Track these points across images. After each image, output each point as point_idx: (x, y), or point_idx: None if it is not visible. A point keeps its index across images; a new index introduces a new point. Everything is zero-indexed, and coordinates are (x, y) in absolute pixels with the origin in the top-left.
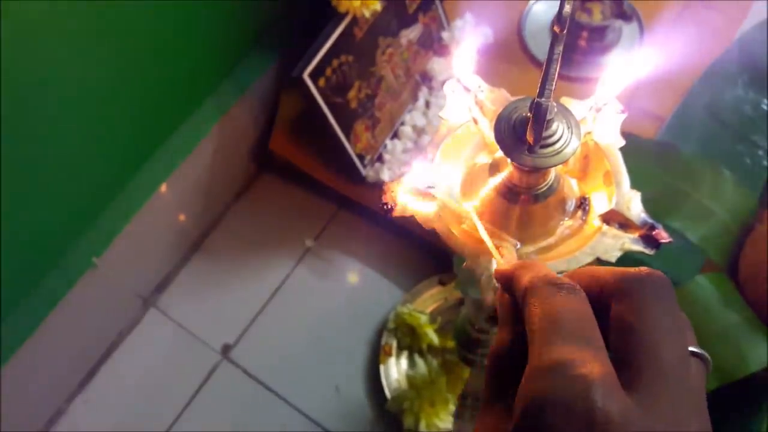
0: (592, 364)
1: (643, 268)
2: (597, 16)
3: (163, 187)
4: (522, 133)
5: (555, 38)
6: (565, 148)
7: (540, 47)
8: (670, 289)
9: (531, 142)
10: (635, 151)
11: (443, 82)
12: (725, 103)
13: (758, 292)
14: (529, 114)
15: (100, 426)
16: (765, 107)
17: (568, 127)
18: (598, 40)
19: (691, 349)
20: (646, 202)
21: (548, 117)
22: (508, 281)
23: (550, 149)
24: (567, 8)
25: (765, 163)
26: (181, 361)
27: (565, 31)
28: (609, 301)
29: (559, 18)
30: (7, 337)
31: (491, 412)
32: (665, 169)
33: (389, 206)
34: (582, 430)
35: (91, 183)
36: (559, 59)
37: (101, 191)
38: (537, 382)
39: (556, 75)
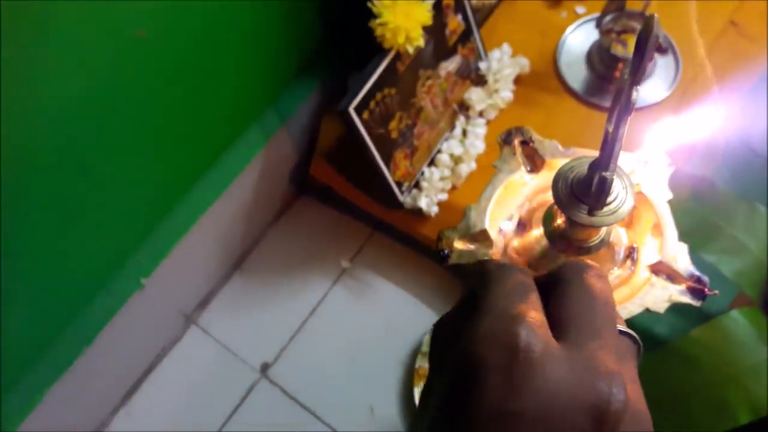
0: (523, 308)
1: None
2: (632, 48)
3: (210, 211)
4: (579, 193)
5: (620, 121)
6: (620, 207)
7: (574, 77)
8: (591, 266)
9: (593, 208)
10: (670, 183)
11: (480, 112)
12: (758, 131)
13: None
14: (585, 173)
15: None
16: None
17: (624, 188)
18: None
19: (620, 328)
20: (681, 235)
21: None
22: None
23: (606, 209)
24: (634, 96)
25: None
26: (220, 378)
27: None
28: (552, 287)
29: (627, 105)
30: (59, 356)
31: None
32: (700, 203)
33: (445, 253)
34: (504, 357)
35: (141, 208)
36: (623, 138)
37: (151, 216)
38: (473, 324)
39: (620, 152)
